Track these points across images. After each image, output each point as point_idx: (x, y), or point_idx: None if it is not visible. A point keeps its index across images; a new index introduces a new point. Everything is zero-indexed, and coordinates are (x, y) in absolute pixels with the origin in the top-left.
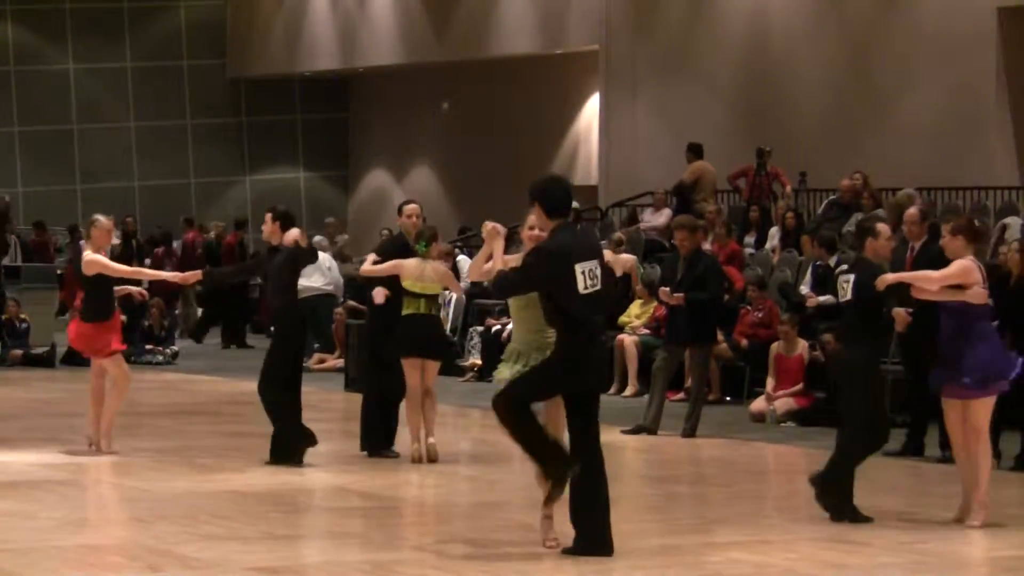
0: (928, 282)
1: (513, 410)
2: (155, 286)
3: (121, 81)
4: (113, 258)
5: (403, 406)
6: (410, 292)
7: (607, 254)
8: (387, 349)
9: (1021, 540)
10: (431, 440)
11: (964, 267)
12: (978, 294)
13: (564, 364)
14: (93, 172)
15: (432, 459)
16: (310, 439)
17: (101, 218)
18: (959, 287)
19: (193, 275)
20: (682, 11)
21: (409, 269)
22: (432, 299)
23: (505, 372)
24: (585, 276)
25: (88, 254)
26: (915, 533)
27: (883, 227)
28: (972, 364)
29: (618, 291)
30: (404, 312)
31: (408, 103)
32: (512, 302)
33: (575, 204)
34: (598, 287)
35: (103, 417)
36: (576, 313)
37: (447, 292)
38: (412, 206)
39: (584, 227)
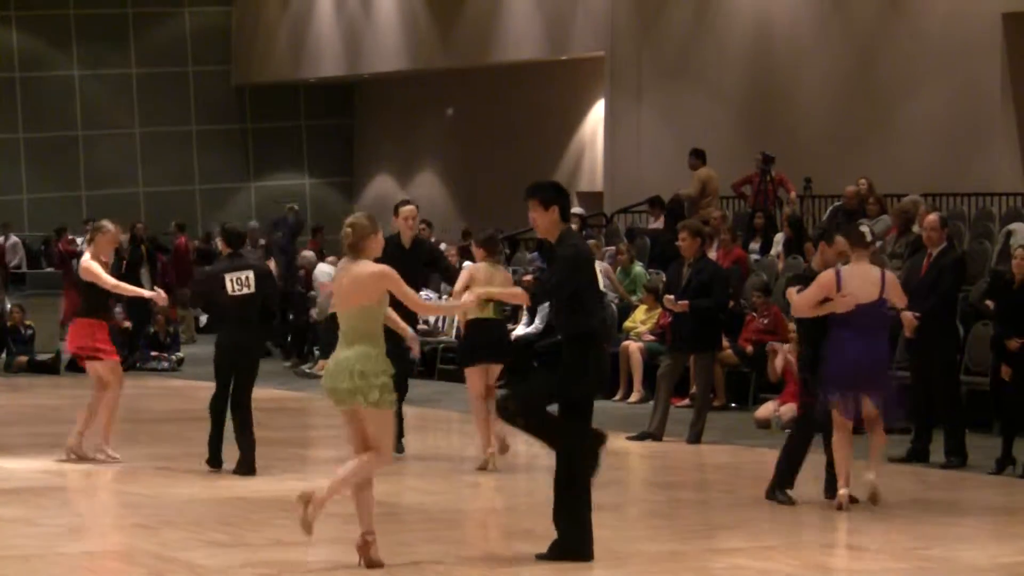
0: (797, 310)
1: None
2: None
3: (126, 87)
4: (120, 260)
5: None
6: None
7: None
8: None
9: None
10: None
11: (821, 282)
12: (840, 303)
13: (595, 372)
14: (98, 178)
15: (502, 451)
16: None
17: (108, 224)
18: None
19: (160, 296)
20: (687, 17)
21: (480, 276)
22: (499, 303)
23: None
24: (602, 275)
25: (86, 259)
26: (919, 539)
27: (840, 239)
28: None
29: None
30: (470, 317)
31: (413, 109)
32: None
33: (580, 210)
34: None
35: (103, 423)
36: (596, 312)
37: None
38: (409, 208)
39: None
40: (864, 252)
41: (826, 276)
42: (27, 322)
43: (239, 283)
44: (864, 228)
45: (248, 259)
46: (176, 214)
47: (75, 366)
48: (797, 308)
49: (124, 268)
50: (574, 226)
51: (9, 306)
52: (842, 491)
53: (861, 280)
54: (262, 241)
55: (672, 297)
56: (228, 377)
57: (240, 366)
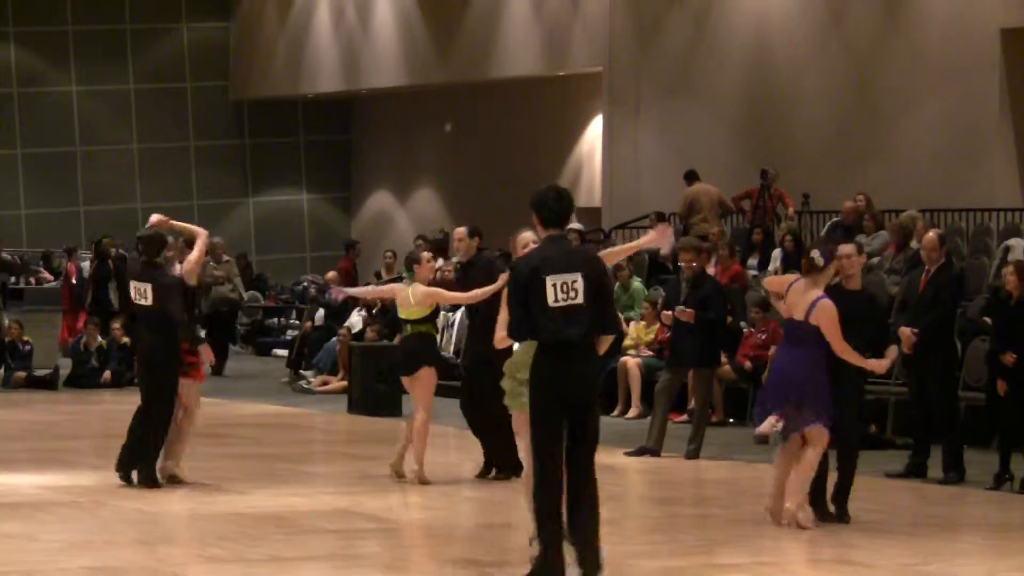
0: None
1: (535, 467)
2: None
3: (124, 103)
4: (89, 278)
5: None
6: (403, 319)
7: None
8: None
9: (1023, 562)
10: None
11: (782, 279)
12: (779, 305)
13: (537, 381)
14: (96, 194)
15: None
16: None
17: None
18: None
19: None
20: (685, 33)
21: (398, 297)
22: (420, 323)
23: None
24: (556, 289)
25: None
26: (917, 555)
27: (815, 253)
28: None
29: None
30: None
31: (411, 125)
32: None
33: (579, 226)
34: (575, 300)
35: (184, 443)
36: (544, 326)
37: (451, 314)
38: (458, 230)
39: (569, 241)
40: (814, 277)
41: (787, 278)
42: (25, 338)
43: (138, 294)
44: (815, 253)
45: (156, 271)
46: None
47: (73, 381)
48: (766, 280)
49: (89, 284)
50: (575, 243)
51: (7, 321)
52: (786, 505)
53: (799, 298)
54: (226, 257)
55: (670, 313)
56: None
57: (149, 376)
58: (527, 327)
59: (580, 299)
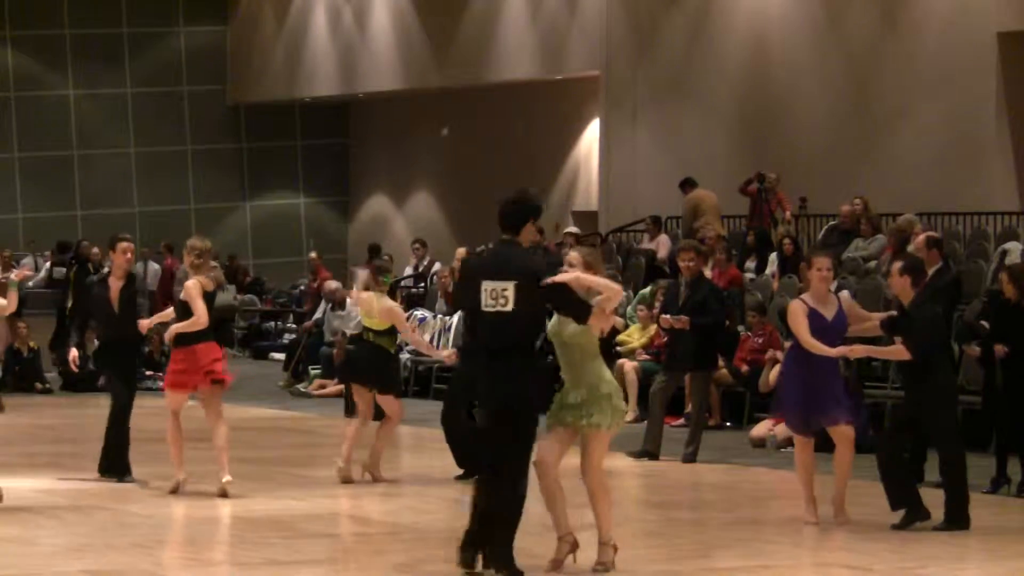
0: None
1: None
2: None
3: (121, 107)
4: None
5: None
6: (366, 327)
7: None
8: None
9: (1021, 565)
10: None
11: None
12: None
13: (461, 380)
14: (93, 198)
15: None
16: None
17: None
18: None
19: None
20: (682, 37)
21: (365, 303)
22: (381, 335)
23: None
24: (487, 294)
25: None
26: (915, 558)
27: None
28: None
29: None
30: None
31: (408, 128)
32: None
33: (575, 230)
34: (504, 308)
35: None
36: (474, 330)
37: (448, 318)
38: (461, 250)
39: (516, 245)
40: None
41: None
42: (31, 343)
43: None
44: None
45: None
46: (171, 234)
47: (70, 385)
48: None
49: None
50: (567, 247)
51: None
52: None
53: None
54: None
55: (668, 317)
56: None
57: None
58: (472, 326)
59: (509, 307)
